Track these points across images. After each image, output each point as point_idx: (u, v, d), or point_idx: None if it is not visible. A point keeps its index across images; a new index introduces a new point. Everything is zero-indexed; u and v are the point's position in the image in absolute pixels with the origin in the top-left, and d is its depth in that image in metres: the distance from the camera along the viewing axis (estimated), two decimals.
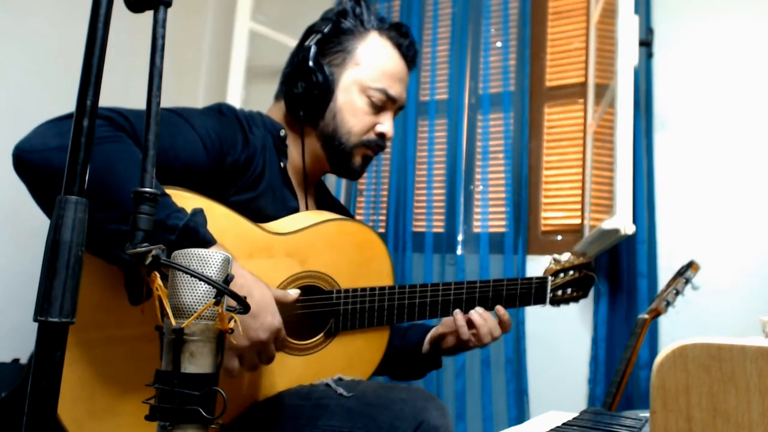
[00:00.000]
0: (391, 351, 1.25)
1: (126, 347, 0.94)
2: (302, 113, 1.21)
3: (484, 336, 1.25)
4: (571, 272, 1.40)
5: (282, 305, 0.99)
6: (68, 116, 0.92)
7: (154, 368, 0.58)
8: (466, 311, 1.27)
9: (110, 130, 0.92)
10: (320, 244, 1.15)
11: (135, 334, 0.94)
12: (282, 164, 1.20)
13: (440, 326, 1.32)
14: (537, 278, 1.35)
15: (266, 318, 0.93)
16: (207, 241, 0.88)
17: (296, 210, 1.21)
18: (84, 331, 0.91)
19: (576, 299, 1.43)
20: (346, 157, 1.24)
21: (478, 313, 1.26)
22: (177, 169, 1.01)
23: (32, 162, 0.86)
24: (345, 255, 1.18)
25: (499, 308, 1.28)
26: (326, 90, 1.20)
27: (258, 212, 1.11)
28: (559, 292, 1.39)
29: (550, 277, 1.36)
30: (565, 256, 1.42)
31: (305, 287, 1.13)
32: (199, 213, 0.88)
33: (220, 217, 1.03)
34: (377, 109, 1.24)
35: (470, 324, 1.25)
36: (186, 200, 0.99)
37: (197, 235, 0.87)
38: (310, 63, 1.19)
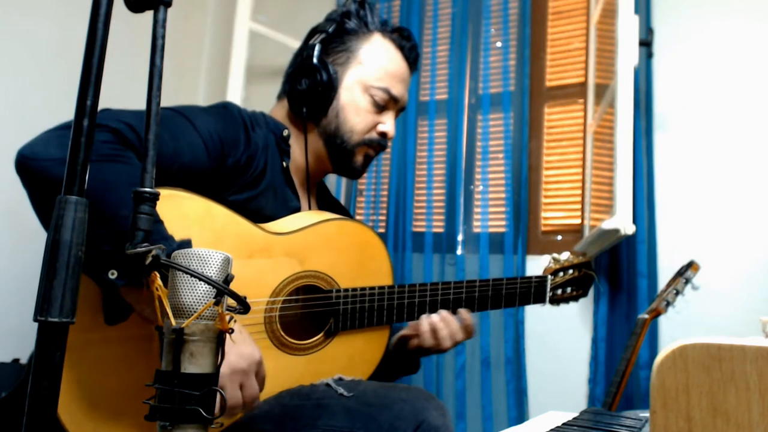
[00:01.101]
0: None
1: (126, 347, 0.94)
2: (305, 110, 1.21)
3: (443, 340, 1.22)
4: (571, 271, 1.40)
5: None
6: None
7: (154, 368, 0.58)
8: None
9: (116, 148, 0.91)
10: (320, 244, 1.15)
11: (134, 334, 0.94)
12: (284, 164, 1.20)
13: (407, 328, 1.29)
14: (536, 277, 1.35)
15: (245, 348, 0.91)
16: None
17: (297, 210, 1.21)
18: (83, 331, 0.91)
19: (576, 298, 1.43)
20: (347, 156, 1.25)
21: (440, 317, 1.23)
22: (179, 170, 1.01)
23: (33, 169, 0.86)
24: (344, 255, 1.18)
25: (462, 311, 1.25)
26: (330, 88, 1.20)
27: (257, 212, 1.11)
28: (559, 291, 1.39)
29: (549, 276, 1.36)
30: (565, 255, 1.42)
31: (305, 287, 1.13)
32: (186, 243, 0.86)
33: (219, 217, 1.03)
34: (379, 108, 1.24)
35: (433, 329, 1.23)
36: (185, 200, 0.99)
37: None
38: (315, 61, 1.20)
